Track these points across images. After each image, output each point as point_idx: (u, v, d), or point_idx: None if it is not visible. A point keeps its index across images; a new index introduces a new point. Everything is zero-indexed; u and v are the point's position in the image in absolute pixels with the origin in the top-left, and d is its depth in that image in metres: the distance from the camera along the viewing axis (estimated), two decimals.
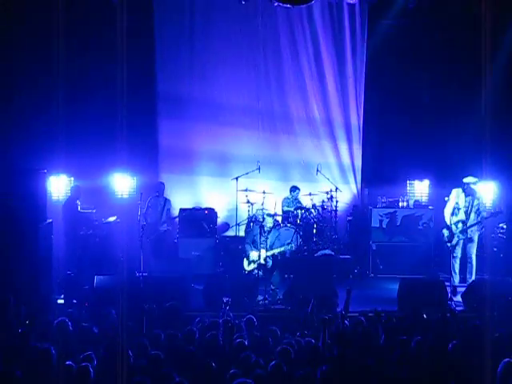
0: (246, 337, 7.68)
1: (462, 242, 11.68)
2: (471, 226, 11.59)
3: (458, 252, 11.72)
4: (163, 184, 14.05)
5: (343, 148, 15.20)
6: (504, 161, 12.96)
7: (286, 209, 14.03)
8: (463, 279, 11.92)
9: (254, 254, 11.82)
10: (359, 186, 15.23)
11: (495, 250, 12.94)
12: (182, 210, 13.91)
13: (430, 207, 13.90)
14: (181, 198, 14.79)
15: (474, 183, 11.69)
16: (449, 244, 11.72)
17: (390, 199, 14.09)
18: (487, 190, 13.37)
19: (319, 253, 13.52)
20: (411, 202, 14.12)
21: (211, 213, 13.86)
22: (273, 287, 11.60)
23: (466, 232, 11.61)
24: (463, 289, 11.36)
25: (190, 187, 15.01)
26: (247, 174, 14.35)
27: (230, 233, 14.49)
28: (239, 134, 15.03)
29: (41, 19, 12.49)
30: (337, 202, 14.20)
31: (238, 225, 14.27)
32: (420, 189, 14.70)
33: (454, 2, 14.00)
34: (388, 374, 6.43)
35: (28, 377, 6.49)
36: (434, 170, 14.55)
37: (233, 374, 6.37)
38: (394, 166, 14.73)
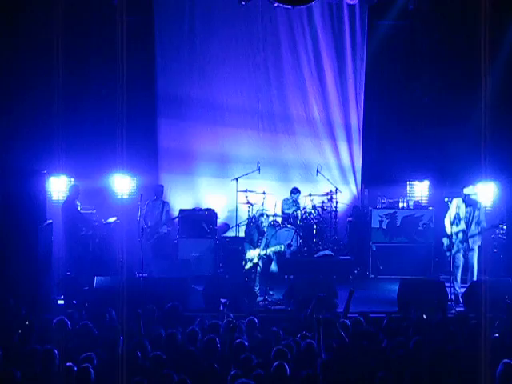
0: (247, 338, 7.67)
1: (462, 251, 11.62)
2: (472, 236, 11.54)
3: (460, 261, 11.65)
4: (162, 186, 14.03)
5: (343, 148, 15.19)
6: (504, 161, 12.96)
7: (285, 211, 14.01)
8: (463, 280, 11.90)
9: (251, 253, 11.85)
10: (359, 186, 15.22)
11: (495, 250, 12.94)
12: (181, 211, 13.90)
13: (430, 208, 13.89)
14: (181, 199, 14.79)
15: (475, 194, 11.69)
16: (448, 253, 11.67)
17: (390, 200, 14.08)
18: (487, 191, 13.37)
19: (319, 253, 13.52)
20: (411, 203, 14.12)
21: (211, 213, 13.86)
22: (270, 292, 11.66)
23: (467, 242, 11.56)
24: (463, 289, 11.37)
25: (190, 188, 15.01)
26: (247, 174, 14.36)
27: (230, 233, 14.48)
28: (239, 134, 15.03)
29: (41, 20, 12.51)
30: (337, 202, 14.21)
31: (237, 225, 14.27)
32: (420, 190, 14.69)
33: (453, 3, 14.00)
34: (387, 374, 6.42)
35: (28, 377, 6.50)
36: (434, 171, 14.55)
37: (234, 375, 6.37)
38: (393, 167, 14.73)
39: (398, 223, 13.57)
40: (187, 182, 14.97)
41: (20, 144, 12.54)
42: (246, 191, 14.09)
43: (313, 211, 14.01)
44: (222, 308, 9.15)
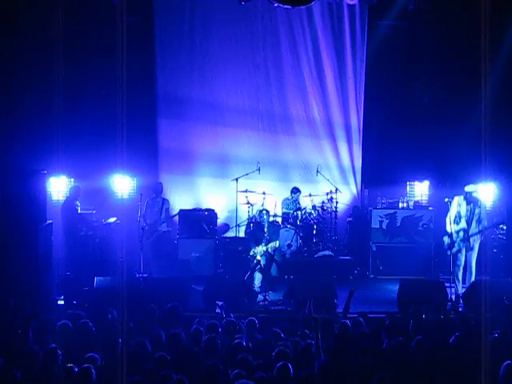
0: (247, 338, 7.67)
1: (463, 249, 11.62)
2: (472, 234, 11.54)
3: (462, 260, 11.64)
4: (161, 184, 14.03)
5: (343, 149, 15.19)
6: (504, 161, 12.96)
7: (285, 210, 14.02)
8: (462, 280, 11.90)
9: (254, 250, 12.00)
10: (359, 186, 15.23)
11: (495, 251, 12.94)
12: (181, 211, 13.89)
13: (430, 208, 13.89)
14: (181, 199, 14.79)
15: (476, 192, 11.68)
16: (449, 252, 11.66)
17: (390, 200, 14.08)
18: (487, 191, 13.37)
19: (319, 254, 13.52)
20: (411, 203, 14.12)
21: (211, 214, 13.85)
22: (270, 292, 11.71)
23: (468, 241, 11.55)
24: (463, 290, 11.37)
25: (190, 188, 15.01)
26: (247, 174, 14.36)
27: (230, 234, 14.47)
28: (239, 134, 15.03)
29: (41, 20, 12.50)
30: (337, 202, 14.21)
31: (237, 226, 14.27)
32: (420, 190, 14.70)
33: (453, 3, 14.00)
34: (387, 374, 6.42)
35: (28, 377, 6.49)
36: (434, 171, 14.55)
37: (234, 375, 6.36)
38: (393, 167, 14.73)
39: (398, 223, 13.57)
40: (187, 182, 14.97)
41: (20, 144, 12.53)
42: (246, 191, 14.09)
43: (313, 211, 14.01)
44: (219, 311, 9.11)
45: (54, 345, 6.95)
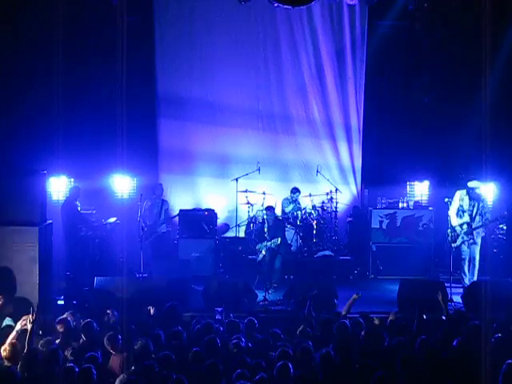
0: (247, 339, 7.66)
1: (467, 243, 11.64)
2: (476, 228, 11.58)
3: (467, 253, 11.69)
4: (161, 185, 14.02)
5: (343, 149, 15.19)
6: (504, 162, 12.96)
7: (286, 210, 14.01)
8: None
9: (260, 245, 12.28)
10: (359, 186, 15.23)
11: (495, 251, 12.95)
12: (181, 211, 13.89)
13: (430, 208, 13.88)
14: (181, 199, 14.79)
15: (479, 188, 11.69)
16: (453, 244, 11.70)
17: (390, 200, 14.07)
18: (487, 191, 13.37)
19: (319, 254, 13.53)
20: (411, 203, 14.11)
21: (211, 214, 13.84)
22: (274, 285, 11.80)
23: (472, 234, 11.58)
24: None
25: (190, 188, 15.01)
26: (247, 174, 14.37)
27: (230, 234, 14.48)
28: (239, 134, 15.03)
29: (41, 20, 12.49)
30: (337, 202, 14.21)
31: (237, 226, 14.28)
32: (420, 190, 14.69)
33: (453, 3, 13.99)
34: (387, 374, 6.42)
35: (28, 378, 6.49)
36: (434, 171, 14.54)
37: (234, 376, 6.37)
38: (393, 167, 14.71)
39: (398, 223, 13.56)
40: (187, 182, 14.97)
41: (20, 144, 12.52)
42: (246, 191, 14.11)
43: (313, 211, 14.02)
44: (219, 317, 9.09)
45: (55, 346, 6.94)
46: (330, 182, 14.52)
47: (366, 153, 15.25)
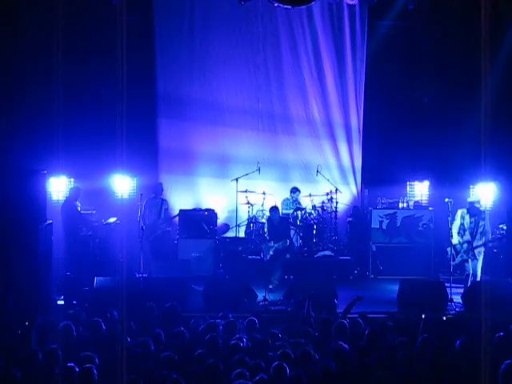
0: (247, 339, 7.66)
1: (469, 260, 11.56)
2: (477, 246, 11.50)
3: (469, 268, 11.53)
4: (161, 185, 14.02)
5: (343, 149, 15.19)
6: (504, 161, 12.95)
7: (285, 211, 14.01)
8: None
9: (269, 244, 12.42)
10: (359, 186, 15.23)
11: (495, 251, 12.93)
12: (181, 211, 13.88)
13: (430, 208, 13.88)
14: (181, 199, 14.79)
15: (479, 202, 11.65)
16: (452, 262, 11.61)
17: (390, 200, 14.08)
18: (487, 191, 13.37)
19: (319, 254, 13.53)
20: (411, 203, 14.12)
21: (211, 214, 13.84)
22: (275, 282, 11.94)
23: (473, 252, 11.50)
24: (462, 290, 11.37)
25: (190, 188, 15.01)
26: (247, 174, 14.37)
27: (230, 234, 14.48)
28: (239, 134, 15.03)
29: (41, 20, 12.49)
30: (337, 202, 14.21)
31: (237, 226, 14.28)
32: (420, 190, 14.68)
33: (453, 3, 13.99)
34: (386, 374, 6.42)
35: (29, 378, 6.49)
36: (434, 171, 14.54)
37: (234, 376, 6.36)
38: (393, 167, 14.72)
39: (398, 223, 13.56)
40: (187, 183, 14.97)
41: (20, 144, 12.52)
42: (246, 191, 14.11)
43: (313, 211, 14.02)
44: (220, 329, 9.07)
45: (54, 346, 6.94)
46: (330, 182, 14.52)
47: (365, 153, 15.25)
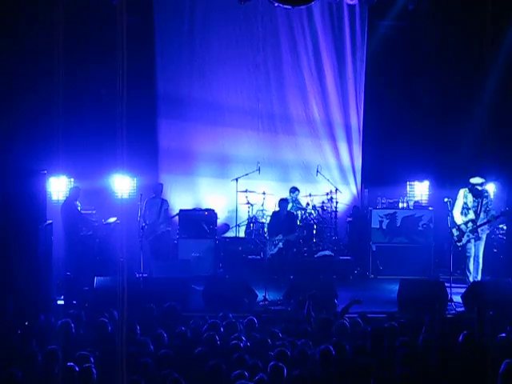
0: (246, 338, 7.66)
1: (473, 240, 11.66)
2: (481, 225, 11.57)
3: (472, 251, 11.71)
4: (161, 185, 14.03)
5: (343, 149, 15.20)
6: (504, 161, 12.96)
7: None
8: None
9: (276, 238, 12.53)
10: (359, 186, 15.23)
11: (495, 251, 12.94)
12: (181, 211, 13.88)
13: (430, 208, 13.88)
14: (181, 199, 14.79)
15: (481, 184, 11.69)
16: (459, 243, 11.70)
17: (390, 200, 14.08)
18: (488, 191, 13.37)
19: (319, 254, 13.54)
20: (411, 203, 14.11)
21: (211, 214, 13.84)
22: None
23: (477, 231, 11.59)
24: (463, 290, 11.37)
25: (190, 188, 15.01)
26: (247, 174, 14.38)
27: (230, 234, 14.48)
28: (239, 134, 15.04)
29: (41, 20, 12.48)
30: (337, 202, 14.21)
31: (237, 226, 14.29)
32: (420, 190, 14.69)
33: (453, 3, 13.99)
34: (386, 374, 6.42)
35: (29, 378, 6.49)
36: (434, 171, 14.54)
37: (234, 376, 6.36)
38: (393, 167, 14.72)
39: (398, 223, 13.56)
40: (187, 183, 14.97)
41: (20, 144, 12.52)
42: (246, 191, 14.11)
43: (313, 211, 14.02)
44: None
45: (53, 346, 6.94)
46: (330, 182, 14.53)
47: (366, 153, 15.25)
